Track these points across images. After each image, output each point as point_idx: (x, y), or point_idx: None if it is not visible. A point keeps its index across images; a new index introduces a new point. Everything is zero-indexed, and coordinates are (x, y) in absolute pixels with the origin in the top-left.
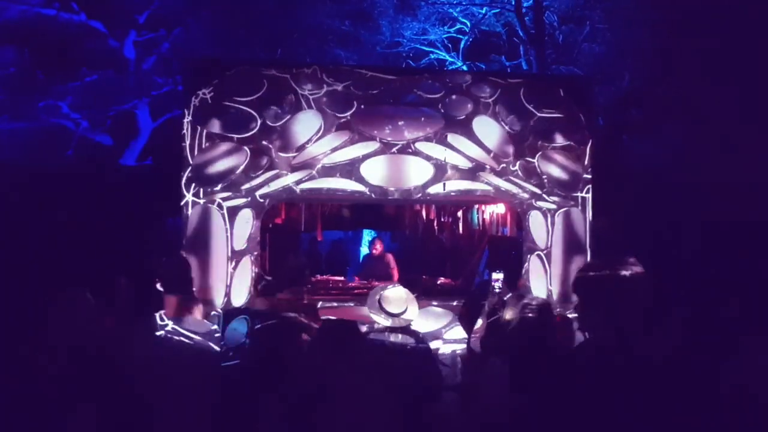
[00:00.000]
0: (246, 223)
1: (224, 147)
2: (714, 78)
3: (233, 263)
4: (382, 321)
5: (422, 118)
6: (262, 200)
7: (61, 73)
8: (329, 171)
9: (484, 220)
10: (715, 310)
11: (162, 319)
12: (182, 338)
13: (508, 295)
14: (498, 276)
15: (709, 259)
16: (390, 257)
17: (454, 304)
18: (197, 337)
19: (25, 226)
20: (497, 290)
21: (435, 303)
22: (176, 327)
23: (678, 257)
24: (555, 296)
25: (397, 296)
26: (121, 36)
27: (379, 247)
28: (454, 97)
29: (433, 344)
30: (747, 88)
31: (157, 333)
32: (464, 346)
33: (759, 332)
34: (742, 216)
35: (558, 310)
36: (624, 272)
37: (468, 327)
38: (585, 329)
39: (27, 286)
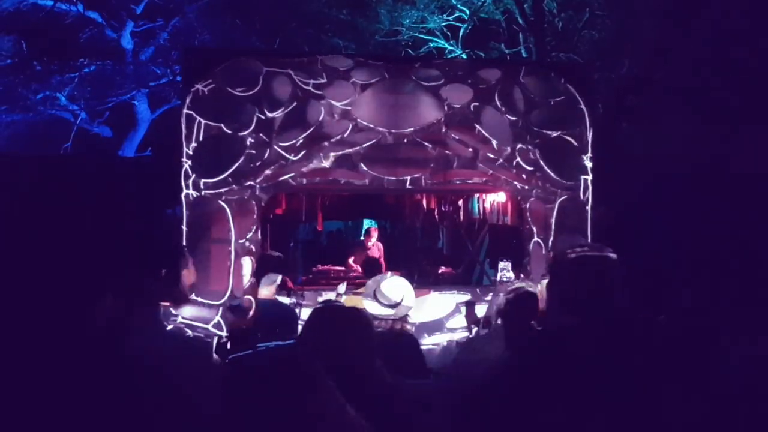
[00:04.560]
0: (247, 215)
1: (222, 138)
2: (715, 65)
3: (235, 254)
4: (380, 311)
5: (422, 107)
6: (262, 191)
7: (59, 64)
8: (329, 161)
9: (484, 208)
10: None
11: (170, 311)
12: (188, 329)
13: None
14: (504, 265)
15: (707, 247)
16: (380, 245)
17: (455, 292)
18: (207, 327)
19: (24, 218)
20: (505, 279)
21: (436, 292)
22: (183, 318)
23: (677, 244)
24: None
25: (393, 286)
26: (118, 26)
27: (372, 238)
28: (453, 85)
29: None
30: (748, 75)
31: (167, 326)
32: (465, 335)
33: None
34: (742, 204)
35: None
36: (594, 254)
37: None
38: (555, 311)
39: (25, 279)
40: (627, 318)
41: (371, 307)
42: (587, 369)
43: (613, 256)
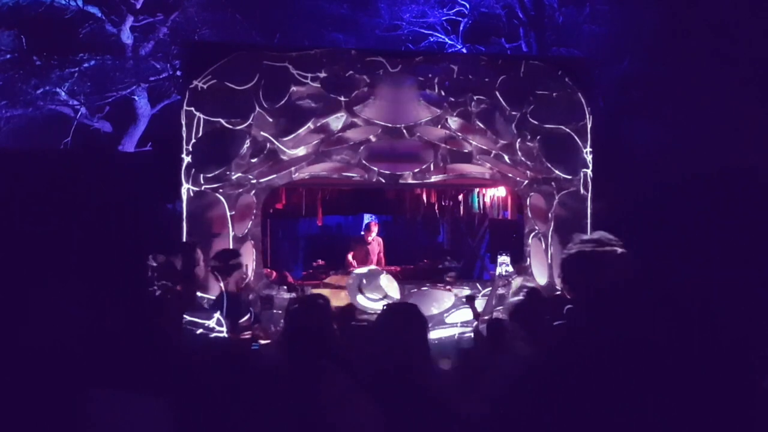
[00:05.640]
0: (247, 209)
1: (222, 133)
2: (716, 59)
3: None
4: (369, 305)
5: (422, 102)
6: (261, 185)
7: (59, 59)
8: (329, 155)
9: (484, 203)
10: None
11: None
12: (193, 327)
13: (515, 278)
14: (504, 259)
15: (707, 243)
16: (379, 240)
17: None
18: (207, 323)
19: (23, 213)
20: (504, 273)
21: (436, 286)
22: (186, 316)
23: (677, 241)
24: (555, 277)
25: (378, 281)
26: (118, 21)
27: (372, 233)
28: (453, 80)
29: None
30: (750, 70)
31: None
32: (468, 329)
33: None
34: (742, 199)
35: (558, 291)
36: (607, 250)
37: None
38: (572, 307)
39: (23, 274)
40: (649, 313)
41: (361, 302)
42: (611, 363)
43: (623, 250)
